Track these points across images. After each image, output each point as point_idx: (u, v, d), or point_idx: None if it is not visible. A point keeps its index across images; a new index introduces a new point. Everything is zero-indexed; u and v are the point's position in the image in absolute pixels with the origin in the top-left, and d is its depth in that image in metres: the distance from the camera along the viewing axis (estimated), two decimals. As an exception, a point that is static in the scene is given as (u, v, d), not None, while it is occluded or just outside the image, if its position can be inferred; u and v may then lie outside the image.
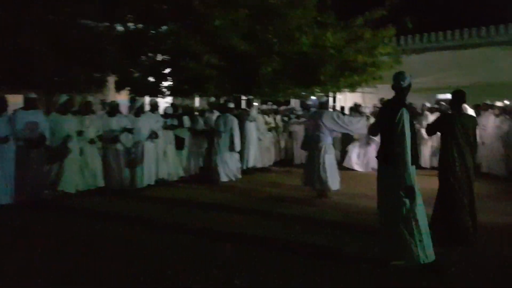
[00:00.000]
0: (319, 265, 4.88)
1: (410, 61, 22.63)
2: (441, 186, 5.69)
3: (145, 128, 9.47)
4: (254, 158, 12.02)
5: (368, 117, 11.57)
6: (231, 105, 11.63)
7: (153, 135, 9.62)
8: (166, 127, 9.96)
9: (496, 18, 21.36)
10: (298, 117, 13.29)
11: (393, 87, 4.84)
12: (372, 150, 11.93)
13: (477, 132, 10.59)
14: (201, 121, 10.91)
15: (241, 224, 6.65)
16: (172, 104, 11.18)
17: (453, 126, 5.54)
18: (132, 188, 9.26)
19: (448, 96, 17.68)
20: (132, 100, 10.67)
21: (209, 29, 10.26)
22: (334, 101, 20.64)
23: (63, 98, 8.74)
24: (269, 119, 12.92)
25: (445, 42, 22.63)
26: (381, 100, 12.71)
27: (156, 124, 9.84)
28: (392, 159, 4.51)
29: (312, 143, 8.22)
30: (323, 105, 8.43)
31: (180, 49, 10.50)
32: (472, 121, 5.80)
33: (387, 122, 4.63)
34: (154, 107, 10.08)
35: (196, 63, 10.50)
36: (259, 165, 12.13)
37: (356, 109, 11.98)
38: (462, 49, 22.02)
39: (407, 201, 4.47)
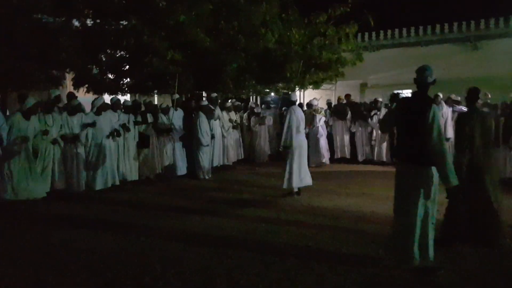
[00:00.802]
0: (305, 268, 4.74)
1: (367, 58, 23.21)
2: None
3: (106, 126, 9.06)
4: (219, 156, 11.82)
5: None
6: (205, 102, 11.43)
7: (115, 134, 9.23)
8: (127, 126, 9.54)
9: (450, 15, 22.02)
10: (257, 115, 13.08)
11: (418, 82, 4.50)
12: (324, 143, 12.00)
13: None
14: (164, 119, 10.56)
15: (214, 226, 6.43)
16: (134, 101, 10.74)
17: (473, 124, 5.27)
18: (93, 190, 8.85)
19: (405, 92, 17.92)
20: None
21: (173, 24, 9.91)
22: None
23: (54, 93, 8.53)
24: (233, 116, 12.72)
25: (401, 39, 23.10)
26: (339, 99, 12.79)
27: (117, 122, 9.44)
28: (424, 158, 4.28)
29: (297, 141, 7.99)
30: (294, 102, 8.26)
31: (142, 45, 10.10)
32: (490, 118, 5.56)
33: (412, 119, 4.37)
34: (116, 105, 9.66)
35: (159, 60, 10.13)
36: (223, 163, 11.98)
37: (311, 106, 11.99)
38: (417, 46, 22.58)
39: (429, 202, 4.31)
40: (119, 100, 9.91)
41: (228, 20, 10.53)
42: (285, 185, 8.01)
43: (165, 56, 10.07)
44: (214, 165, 11.60)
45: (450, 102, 11.05)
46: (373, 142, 12.31)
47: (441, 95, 10.52)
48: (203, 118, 10.55)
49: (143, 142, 10.14)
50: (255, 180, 10.25)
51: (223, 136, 12.01)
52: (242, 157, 13.02)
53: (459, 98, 10.84)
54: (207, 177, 10.74)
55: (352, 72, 22.62)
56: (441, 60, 21.35)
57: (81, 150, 8.83)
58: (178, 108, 10.95)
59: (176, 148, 10.78)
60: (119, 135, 9.34)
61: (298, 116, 7.79)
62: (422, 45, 22.47)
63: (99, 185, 8.99)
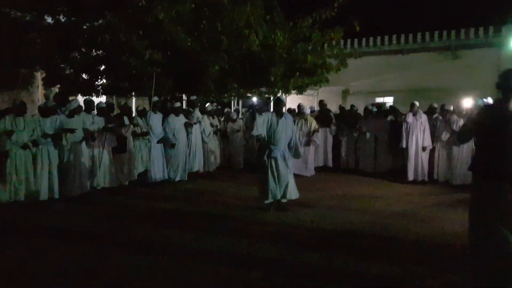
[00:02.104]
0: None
1: (350, 64, 22.86)
2: None
3: (79, 130, 8.33)
4: (199, 163, 11.17)
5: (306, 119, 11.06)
6: (177, 104, 10.79)
7: (89, 138, 8.52)
8: (105, 128, 8.82)
9: (431, 24, 21.94)
10: (234, 120, 12.39)
11: (502, 88, 3.85)
12: (312, 153, 11.38)
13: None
14: (140, 122, 9.87)
15: (193, 237, 5.80)
16: (107, 103, 10.00)
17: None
18: (65, 197, 8.12)
19: (386, 100, 17.34)
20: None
21: (152, 22, 9.26)
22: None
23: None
24: (214, 120, 12.09)
25: (383, 46, 22.93)
26: (323, 104, 12.26)
27: (92, 125, 8.73)
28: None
29: (274, 150, 7.22)
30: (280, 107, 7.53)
31: (119, 44, 9.42)
32: None
33: (497, 129, 3.76)
34: (89, 106, 8.94)
35: (137, 59, 9.46)
36: (204, 170, 11.33)
37: (299, 111, 11.41)
38: (398, 54, 22.43)
39: None
40: (92, 101, 9.18)
41: (210, 20, 9.92)
42: (263, 198, 7.33)
43: (143, 55, 9.40)
44: (194, 170, 10.98)
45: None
46: (358, 151, 11.83)
47: (417, 104, 10.21)
48: (171, 118, 10.05)
49: (119, 145, 9.44)
50: (229, 190, 9.54)
51: (203, 141, 11.37)
52: (222, 163, 12.37)
53: (451, 107, 10.49)
54: (178, 179, 10.26)
55: (335, 79, 22.19)
56: (421, 68, 21.33)
57: (53, 154, 8.11)
58: (157, 111, 10.30)
59: (153, 153, 10.11)
60: (93, 139, 8.62)
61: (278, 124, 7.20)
62: (404, 53, 22.37)
63: (71, 192, 8.27)
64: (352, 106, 12.69)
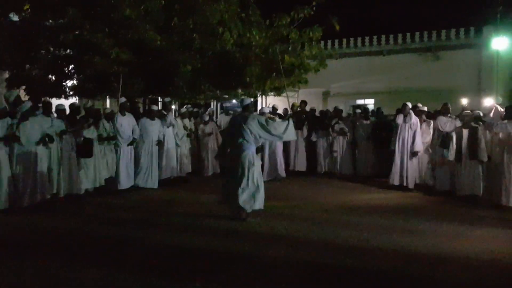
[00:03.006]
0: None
1: (330, 66, 22.42)
2: None
3: (35, 133, 7.60)
4: (172, 167, 10.53)
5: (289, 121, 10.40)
6: (154, 107, 10.14)
7: (46, 140, 7.78)
8: (64, 131, 8.12)
9: (412, 25, 21.62)
10: (206, 123, 11.69)
11: None
12: (281, 157, 10.79)
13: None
14: (107, 126, 9.19)
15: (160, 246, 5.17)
16: (72, 105, 9.25)
17: None
18: (19, 207, 7.39)
19: (367, 102, 16.80)
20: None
21: (118, 20, 8.62)
22: (256, 104, 19.62)
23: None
24: (189, 123, 11.45)
25: (363, 48, 22.54)
26: (294, 106, 11.69)
27: (51, 128, 8.02)
28: None
29: (232, 154, 6.71)
30: (247, 108, 6.92)
31: (84, 42, 8.74)
32: None
33: None
34: (48, 108, 8.23)
35: (102, 58, 8.79)
36: (176, 175, 10.67)
37: (274, 113, 10.81)
38: (379, 55, 22.06)
39: None
40: (50, 102, 8.46)
41: (182, 17, 9.31)
42: (258, 206, 6.68)
43: (108, 54, 8.74)
44: (167, 176, 10.33)
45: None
46: (334, 154, 11.22)
47: (409, 105, 9.57)
48: (120, 118, 9.28)
49: (85, 150, 8.74)
50: (199, 198, 8.70)
51: (177, 145, 10.72)
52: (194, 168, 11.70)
53: (425, 108, 9.98)
54: (149, 186, 9.52)
55: (315, 80, 21.75)
56: (402, 70, 20.97)
57: (4, 160, 7.38)
58: (127, 114, 9.63)
59: (121, 158, 9.44)
60: (52, 141, 7.91)
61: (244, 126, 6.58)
62: (384, 54, 22.02)
63: (26, 201, 7.54)
64: (335, 107, 12.01)
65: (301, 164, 11.64)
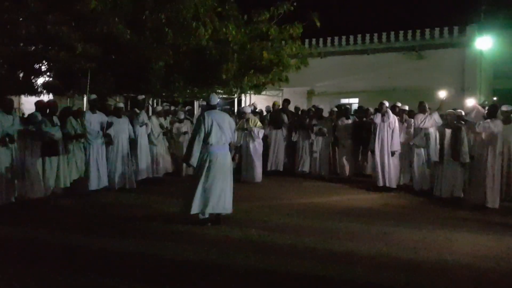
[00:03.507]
0: None
1: (315, 64, 22.15)
2: None
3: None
4: (146, 168, 10.05)
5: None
6: (120, 105, 9.65)
7: (6, 140, 7.27)
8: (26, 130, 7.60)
9: (396, 24, 21.34)
10: (181, 121, 11.17)
11: None
12: (259, 162, 10.26)
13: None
14: (74, 124, 8.69)
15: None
16: (37, 103, 8.73)
17: None
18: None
19: (351, 101, 16.41)
20: None
21: (84, 12, 8.11)
22: (240, 103, 19.21)
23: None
24: (165, 122, 10.96)
25: (348, 46, 22.22)
26: (274, 104, 11.27)
27: (11, 127, 7.51)
28: None
29: (209, 154, 6.10)
30: (215, 106, 6.37)
31: (47, 36, 8.21)
32: None
33: None
34: (8, 105, 7.70)
35: (68, 54, 8.28)
36: (152, 175, 10.19)
37: (255, 112, 10.38)
38: (363, 54, 21.75)
39: None
40: (11, 100, 7.93)
41: (153, 10, 8.83)
42: (184, 210, 6.18)
43: (74, 49, 8.24)
44: (142, 177, 9.86)
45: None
46: (314, 154, 10.81)
47: (386, 103, 9.23)
48: (89, 115, 8.76)
49: (50, 148, 8.23)
50: (172, 200, 8.29)
51: (152, 144, 10.24)
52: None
53: (406, 107, 9.63)
54: (119, 186, 8.97)
55: (299, 79, 21.41)
56: (387, 69, 20.67)
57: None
58: (98, 112, 9.13)
59: (91, 157, 8.95)
60: (12, 141, 7.40)
61: (214, 125, 6.11)
62: (369, 53, 21.68)
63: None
64: (314, 106, 11.63)
65: (280, 164, 11.24)
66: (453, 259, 4.93)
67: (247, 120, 9.90)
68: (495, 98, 9.29)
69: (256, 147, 9.84)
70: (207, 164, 6.01)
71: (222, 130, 6.04)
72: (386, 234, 5.95)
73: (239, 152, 10.34)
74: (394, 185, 9.12)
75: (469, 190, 7.93)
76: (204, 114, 6.03)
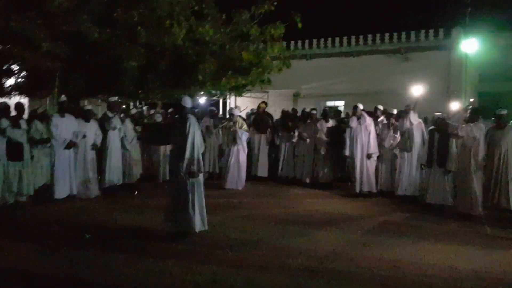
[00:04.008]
0: None
1: (300, 66, 21.83)
2: None
3: None
4: (117, 174, 9.55)
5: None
6: (88, 107, 9.14)
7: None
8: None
9: (381, 26, 21.08)
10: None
11: None
12: (244, 168, 9.85)
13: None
14: (40, 127, 8.20)
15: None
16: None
17: None
18: None
19: (337, 103, 16.07)
20: None
21: (50, 9, 7.62)
22: (225, 106, 18.86)
23: None
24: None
25: (333, 48, 21.90)
26: (259, 107, 10.85)
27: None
28: None
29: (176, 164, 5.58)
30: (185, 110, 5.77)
31: (11, 34, 7.71)
32: None
33: None
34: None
35: (33, 53, 7.77)
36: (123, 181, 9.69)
37: (232, 116, 9.94)
38: (349, 56, 21.44)
39: None
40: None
41: (126, 8, 8.36)
42: (184, 226, 5.66)
43: (39, 48, 7.73)
44: (113, 183, 9.35)
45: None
46: (296, 158, 10.43)
47: (361, 106, 8.90)
48: (57, 119, 8.26)
49: (14, 153, 7.75)
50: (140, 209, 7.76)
51: (125, 149, 9.75)
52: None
53: (394, 111, 9.28)
54: (60, 196, 8.30)
55: (285, 81, 21.02)
56: (372, 71, 20.33)
57: None
58: (67, 115, 8.62)
59: (57, 163, 8.44)
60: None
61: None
62: (354, 55, 21.36)
63: None
64: (293, 109, 11.28)
65: (263, 169, 10.83)
66: (434, 274, 4.60)
67: (235, 122, 9.49)
68: (472, 100, 8.90)
69: (240, 152, 9.44)
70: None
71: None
72: (366, 246, 5.59)
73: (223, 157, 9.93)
74: (372, 189, 8.79)
75: (456, 197, 7.60)
76: (192, 119, 5.54)
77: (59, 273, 4.56)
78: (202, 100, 15.21)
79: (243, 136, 9.42)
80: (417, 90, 8.62)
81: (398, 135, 8.90)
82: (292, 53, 17.98)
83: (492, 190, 6.97)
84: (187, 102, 5.72)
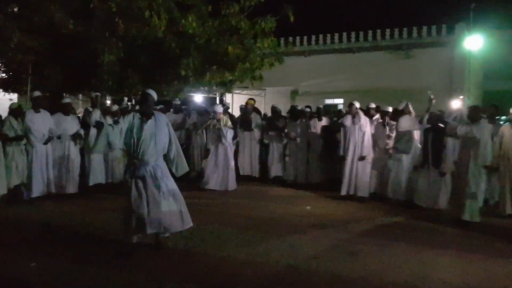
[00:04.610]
0: None
1: (298, 63, 21.30)
2: None
3: None
4: (99, 173, 9.08)
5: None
6: (66, 100, 8.67)
7: None
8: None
9: (383, 22, 20.51)
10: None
11: None
12: (233, 167, 9.23)
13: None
14: (15, 124, 7.74)
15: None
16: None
17: None
18: None
19: (336, 101, 15.41)
20: None
21: (22, 0, 7.15)
22: (223, 102, 18.31)
23: None
24: (122, 122, 9.93)
25: (333, 45, 21.35)
26: (247, 104, 10.30)
27: None
28: None
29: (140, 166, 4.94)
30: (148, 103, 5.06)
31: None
32: None
33: None
34: None
35: (4, 45, 7.31)
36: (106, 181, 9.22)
37: (225, 112, 9.40)
38: (349, 52, 20.89)
39: None
40: None
41: (103, -1, 7.88)
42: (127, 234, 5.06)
43: (9, 40, 7.27)
44: (95, 182, 8.89)
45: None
46: (287, 158, 9.88)
47: (357, 104, 8.27)
48: (31, 114, 7.81)
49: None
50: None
51: (109, 147, 9.23)
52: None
53: (390, 109, 8.69)
54: (37, 194, 7.86)
55: (283, 78, 20.57)
56: (373, 68, 19.77)
57: None
58: (42, 110, 8.15)
59: (34, 160, 7.99)
60: None
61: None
62: (355, 51, 20.82)
63: None
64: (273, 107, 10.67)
65: (253, 168, 10.31)
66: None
67: (218, 120, 8.93)
68: (461, 97, 8.31)
69: (227, 150, 8.89)
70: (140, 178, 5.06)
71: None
72: (352, 255, 5.07)
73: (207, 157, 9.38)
74: (365, 194, 8.19)
75: (452, 202, 7.03)
76: (133, 117, 4.98)
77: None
78: (199, 97, 14.71)
79: (228, 133, 8.90)
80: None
81: (393, 135, 8.37)
82: (289, 50, 17.58)
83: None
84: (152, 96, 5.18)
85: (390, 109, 8.56)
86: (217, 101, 17.59)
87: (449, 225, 6.55)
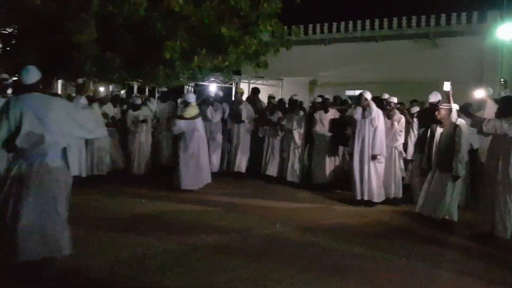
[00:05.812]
0: None
1: (318, 52, 20.08)
2: None
3: None
4: (78, 165, 8.22)
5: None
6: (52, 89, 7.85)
7: None
8: None
9: (408, 9, 18.97)
10: (136, 107, 9.17)
11: None
12: (206, 160, 8.11)
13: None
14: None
15: None
16: None
17: None
18: None
19: (357, 93, 14.11)
20: None
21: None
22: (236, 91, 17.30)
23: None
24: (113, 110, 9.06)
25: (355, 33, 19.96)
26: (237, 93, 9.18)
27: None
28: None
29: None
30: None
31: None
32: None
33: None
34: None
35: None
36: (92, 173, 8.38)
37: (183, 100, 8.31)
38: (372, 41, 19.47)
39: None
40: None
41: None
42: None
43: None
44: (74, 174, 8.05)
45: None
46: (284, 154, 8.73)
47: (367, 95, 7.00)
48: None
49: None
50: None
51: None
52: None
53: (395, 99, 7.44)
54: None
55: (301, 68, 19.45)
56: (397, 58, 18.29)
57: None
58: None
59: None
60: None
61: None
62: (378, 40, 19.40)
63: None
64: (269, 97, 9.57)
65: (240, 163, 9.19)
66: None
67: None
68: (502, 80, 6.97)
69: (200, 144, 7.72)
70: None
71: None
72: (348, 265, 4.00)
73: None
74: (377, 199, 6.97)
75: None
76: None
77: None
78: (213, 87, 13.71)
79: (198, 123, 7.67)
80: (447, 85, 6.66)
81: (403, 132, 7.20)
82: (309, 38, 16.31)
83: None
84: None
85: (395, 100, 7.37)
86: (233, 91, 16.60)
87: (467, 238, 5.38)
